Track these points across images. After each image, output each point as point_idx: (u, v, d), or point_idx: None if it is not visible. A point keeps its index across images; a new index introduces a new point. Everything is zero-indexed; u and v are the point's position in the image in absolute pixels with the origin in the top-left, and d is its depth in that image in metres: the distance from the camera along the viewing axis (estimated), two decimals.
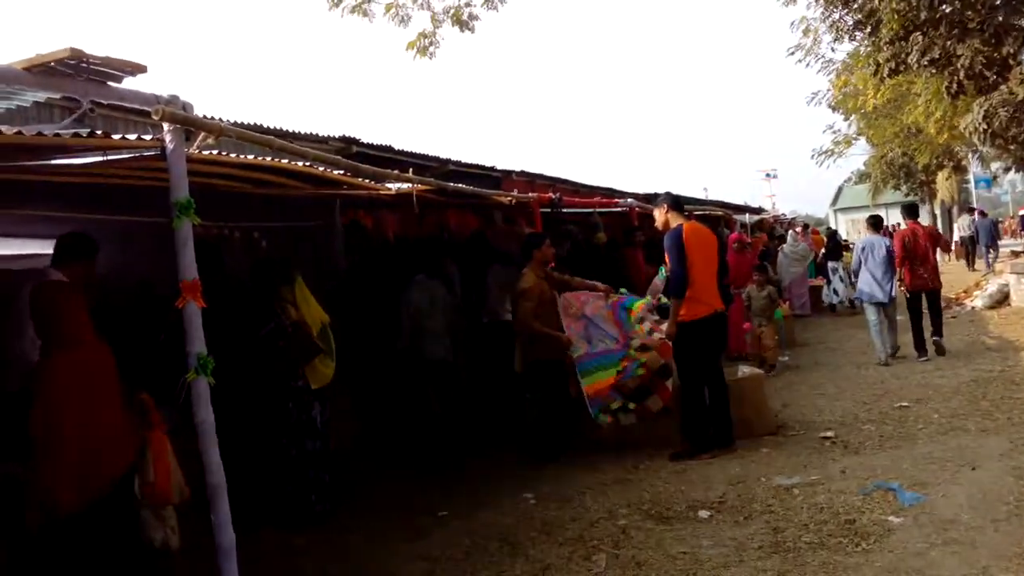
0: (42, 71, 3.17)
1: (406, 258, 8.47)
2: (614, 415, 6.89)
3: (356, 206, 8.39)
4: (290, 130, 7.41)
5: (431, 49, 12.04)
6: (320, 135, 7.82)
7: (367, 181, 5.78)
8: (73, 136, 3.58)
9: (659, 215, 6.87)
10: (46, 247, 8.63)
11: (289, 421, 5.85)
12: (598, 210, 10.77)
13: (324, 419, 5.96)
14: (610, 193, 13.27)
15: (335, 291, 7.83)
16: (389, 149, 8.50)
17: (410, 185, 5.91)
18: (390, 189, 5.86)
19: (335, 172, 5.21)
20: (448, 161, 9.51)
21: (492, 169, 10.46)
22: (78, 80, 3.30)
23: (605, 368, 7.06)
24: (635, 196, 12.18)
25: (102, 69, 3.29)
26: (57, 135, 3.46)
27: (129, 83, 3.52)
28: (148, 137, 3.96)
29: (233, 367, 6.08)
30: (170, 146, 3.83)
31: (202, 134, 3.99)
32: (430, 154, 9.25)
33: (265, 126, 7.13)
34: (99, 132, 3.71)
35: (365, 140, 8.28)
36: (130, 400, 4.65)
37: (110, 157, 4.21)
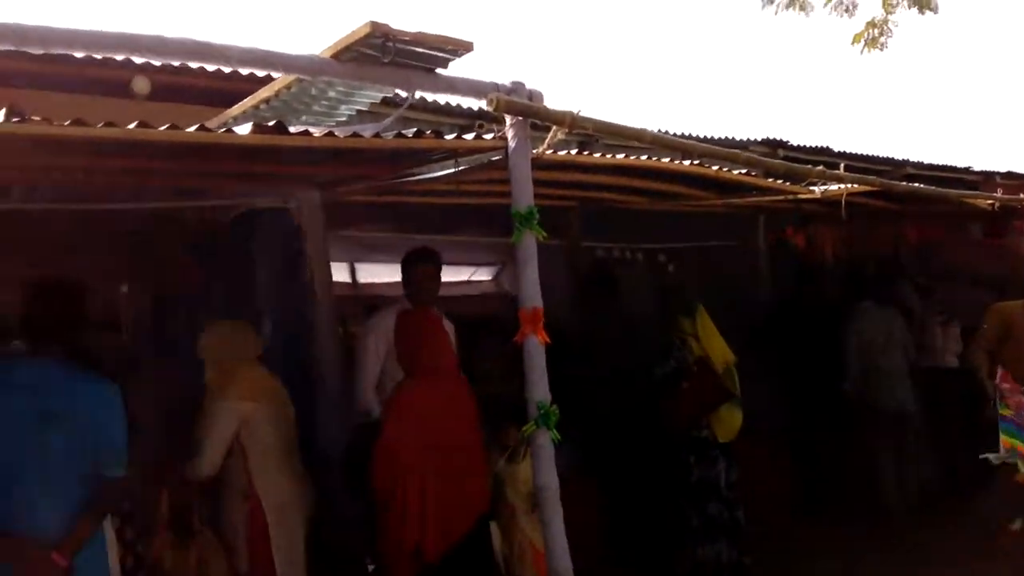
0: (350, 59, 2.65)
1: (850, 282, 6.90)
2: None
3: (785, 222, 7.10)
4: (699, 135, 6.42)
5: (882, 39, 10.54)
6: (738, 139, 6.69)
7: (783, 183, 4.53)
8: (396, 136, 3.04)
9: None
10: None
11: (689, 480, 4.81)
12: None
13: (731, 480, 4.81)
14: None
15: (758, 323, 6.61)
16: (825, 151, 7.02)
17: (840, 186, 4.49)
18: (814, 191, 4.53)
19: (735, 172, 4.07)
20: (905, 163, 7.63)
21: (966, 171, 8.24)
22: (395, 67, 2.73)
23: None
24: None
25: (414, 49, 2.66)
26: (377, 136, 2.94)
27: (454, 68, 2.87)
28: (489, 137, 3.29)
29: (626, 413, 5.31)
30: (512, 143, 3.10)
31: (552, 129, 3.19)
32: (880, 155, 7.49)
33: (671, 132, 6.25)
34: (428, 132, 3.13)
35: (794, 143, 6.93)
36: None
37: (462, 167, 3.69)
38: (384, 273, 9.10)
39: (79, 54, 5.26)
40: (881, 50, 10.39)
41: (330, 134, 2.84)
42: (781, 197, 4.84)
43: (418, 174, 3.78)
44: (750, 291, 7.01)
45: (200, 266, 5.58)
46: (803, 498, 6.46)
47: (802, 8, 10.19)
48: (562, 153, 3.54)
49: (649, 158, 3.83)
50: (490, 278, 10.15)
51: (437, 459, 3.74)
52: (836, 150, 7.34)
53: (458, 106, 6.96)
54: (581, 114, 3.14)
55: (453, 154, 3.59)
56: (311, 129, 2.85)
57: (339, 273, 8.90)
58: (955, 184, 8.55)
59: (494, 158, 3.43)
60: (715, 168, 4.05)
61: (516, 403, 3.74)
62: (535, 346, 3.06)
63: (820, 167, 4.29)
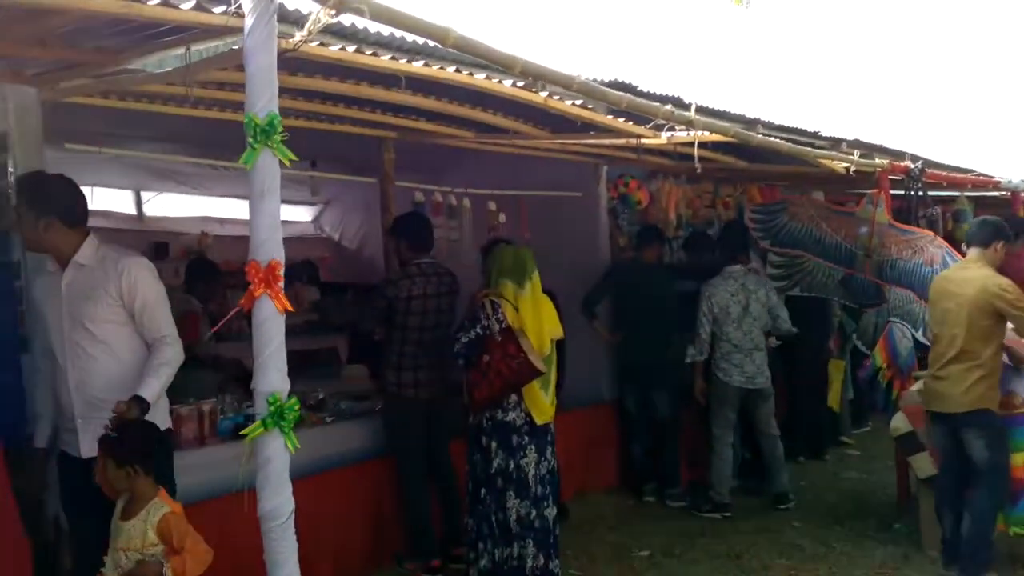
0: None
1: (696, 243, 6.42)
2: None
3: (628, 175, 6.47)
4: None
5: None
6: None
7: (625, 122, 3.81)
8: None
9: None
10: None
11: (487, 469, 4.05)
12: (967, 193, 7.81)
13: (543, 473, 4.08)
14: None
15: (595, 283, 5.97)
16: (676, 100, 6.37)
17: (691, 133, 3.82)
18: (659, 136, 3.84)
19: (569, 103, 3.28)
20: (757, 121, 7.12)
21: (816, 135, 7.88)
22: None
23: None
24: None
25: None
26: None
27: None
28: (219, 10, 2.31)
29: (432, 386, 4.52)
30: (248, 19, 2.14)
31: (316, 11, 2.26)
32: (731, 111, 6.94)
33: None
34: None
35: (644, 88, 6.23)
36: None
37: (193, 60, 2.68)
38: (181, 205, 7.88)
39: None
40: (746, 7, 10.16)
41: None
42: (622, 141, 4.12)
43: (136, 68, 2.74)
44: (591, 248, 6.37)
45: None
46: (629, 473, 6.00)
47: None
48: (335, 49, 2.60)
49: (458, 71, 2.96)
50: (310, 218, 9.05)
51: None
52: (688, 101, 6.72)
53: None
54: None
55: (183, 38, 2.59)
56: None
57: (123, 203, 7.62)
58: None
59: (236, 47, 2.46)
60: (543, 95, 3.24)
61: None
62: (270, 314, 2.16)
63: (668, 107, 3.59)
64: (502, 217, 5.71)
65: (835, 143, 7.60)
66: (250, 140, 2.15)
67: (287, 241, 7.38)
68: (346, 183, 6.96)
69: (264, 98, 2.16)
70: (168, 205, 7.71)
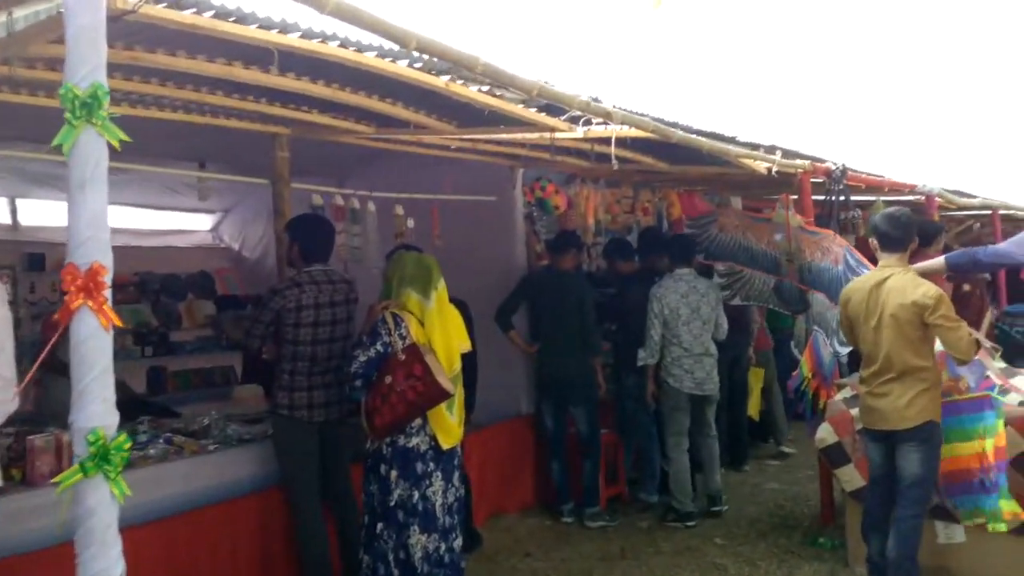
0: None
1: (616, 250, 6.21)
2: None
3: (546, 178, 6.17)
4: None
5: None
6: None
7: (536, 113, 3.50)
8: None
9: None
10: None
11: (386, 501, 3.63)
12: (883, 198, 7.80)
13: (451, 501, 3.70)
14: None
15: (515, 292, 5.65)
16: (592, 98, 6.11)
17: (609, 127, 3.53)
18: (574, 128, 3.54)
19: (474, 88, 2.93)
20: (675, 124, 6.93)
21: (733, 140, 7.76)
22: None
23: (972, 431, 3.99)
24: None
25: None
26: None
27: None
28: None
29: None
30: None
31: None
32: (648, 114, 6.73)
33: None
34: None
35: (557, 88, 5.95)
36: None
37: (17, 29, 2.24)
38: (59, 213, 7.22)
39: None
40: (656, 7, 10.10)
41: None
42: (536, 136, 3.81)
43: None
44: (506, 255, 6.05)
45: None
46: (547, 492, 5.68)
47: None
48: (188, 13, 2.17)
49: (342, 47, 2.57)
50: (208, 228, 8.46)
51: None
52: (608, 104, 6.47)
53: None
54: None
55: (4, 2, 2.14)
56: None
57: None
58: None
59: (63, 9, 2.03)
60: (445, 79, 2.89)
61: None
62: (92, 331, 1.74)
63: (584, 97, 3.30)
64: (410, 222, 5.31)
65: (752, 148, 7.46)
66: (68, 116, 1.73)
67: (182, 251, 6.81)
68: (246, 188, 6.51)
69: (87, 65, 1.75)
70: (45, 213, 7.08)
